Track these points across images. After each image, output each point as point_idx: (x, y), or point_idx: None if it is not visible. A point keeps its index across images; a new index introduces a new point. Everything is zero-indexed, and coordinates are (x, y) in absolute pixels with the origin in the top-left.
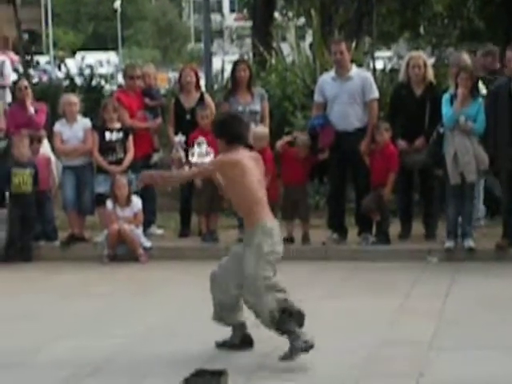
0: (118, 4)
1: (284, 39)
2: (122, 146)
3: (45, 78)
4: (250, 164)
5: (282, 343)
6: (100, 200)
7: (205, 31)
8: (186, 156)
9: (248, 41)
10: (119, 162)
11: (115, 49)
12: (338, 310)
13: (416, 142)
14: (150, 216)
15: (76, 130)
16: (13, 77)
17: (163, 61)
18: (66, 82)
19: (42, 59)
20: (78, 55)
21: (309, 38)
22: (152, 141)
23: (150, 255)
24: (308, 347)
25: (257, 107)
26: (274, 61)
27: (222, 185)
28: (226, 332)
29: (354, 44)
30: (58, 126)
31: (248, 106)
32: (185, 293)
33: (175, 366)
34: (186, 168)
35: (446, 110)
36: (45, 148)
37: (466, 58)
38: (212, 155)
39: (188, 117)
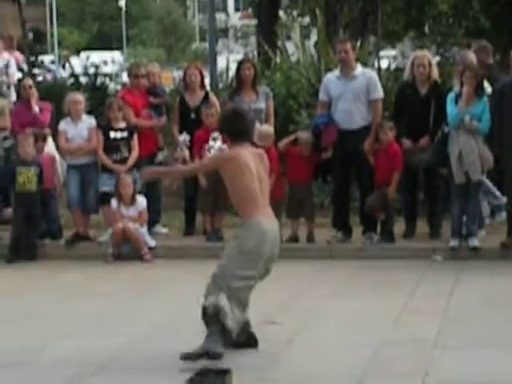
0: (122, 3)
1: (289, 38)
2: (126, 144)
3: (49, 77)
4: (250, 161)
5: (287, 342)
6: (105, 199)
7: (209, 30)
8: (190, 154)
9: (253, 39)
10: (124, 160)
11: (120, 48)
12: (343, 309)
13: (421, 141)
14: (155, 215)
15: (81, 128)
16: (17, 76)
17: (168, 60)
18: (71, 81)
19: (47, 58)
20: (83, 54)
21: (314, 37)
22: (157, 139)
23: (155, 254)
24: (215, 357)
25: (262, 106)
26: (278, 59)
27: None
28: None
29: (358, 43)
30: (63, 125)
31: (253, 104)
32: (189, 292)
33: (180, 364)
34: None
35: (451, 109)
36: (49, 147)
37: (471, 56)
38: (223, 151)
39: (193, 115)
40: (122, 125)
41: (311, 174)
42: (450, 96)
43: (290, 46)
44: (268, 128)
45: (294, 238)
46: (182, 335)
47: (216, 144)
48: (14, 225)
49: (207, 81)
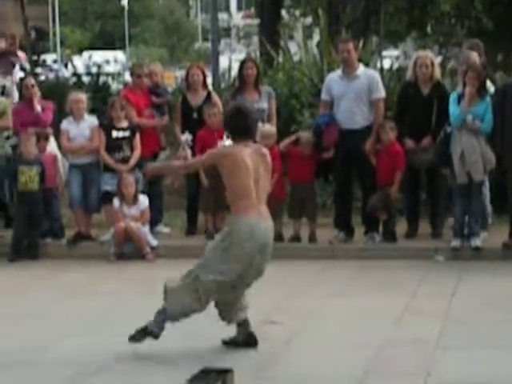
0: (125, 2)
1: (291, 38)
2: (128, 144)
3: (52, 77)
4: (247, 158)
5: (288, 342)
6: (107, 198)
7: (212, 30)
8: (193, 154)
9: (255, 39)
10: (126, 160)
11: (122, 47)
12: (344, 309)
13: (423, 141)
14: (157, 214)
15: (83, 127)
16: (19, 75)
17: (170, 59)
18: (73, 80)
19: (49, 57)
20: (85, 54)
21: (316, 37)
22: (159, 139)
23: (157, 253)
24: (150, 334)
25: (264, 105)
26: (281, 59)
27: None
28: (232, 330)
29: (361, 43)
30: (65, 124)
31: (255, 104)
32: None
33: (181, 364)
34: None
35: (454, 109)
36: (51, 146)
37: (474, 56)
38: None
39: (195, 115)
40: (125, 124)
41: (313, 173)
42: (453, 96)
43: (293, 46)
44: (270, 128)
45: (296, 238)
46: (183, 334)
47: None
48: (15, 224)
49: (209, 80)
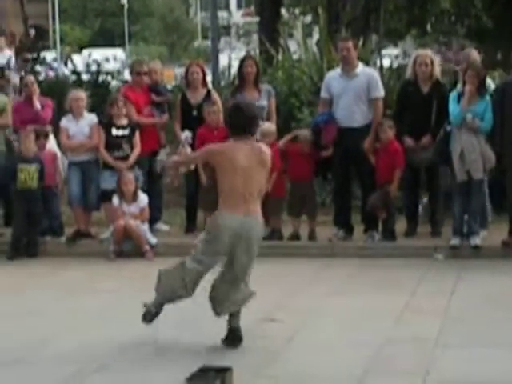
0: (124, 0)
1: (291, 36)
2: (128, 142)
3: (51, 74)
4: (237, 155)
5: (288, 340)
6: (106, 196)
7: (212, 28)
8: (193, 151)
9: (255, 37)
10: (126, 157)
11: (122, 45)
12: (344, 307)
13: (423, 140)
14: (156, 212)
15: (82, 125)
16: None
17: (170, 57)
18: (73, 78)
19: (49, 55)
20: (85, 51)
21: (316, 35)
22: (159, 137)
23: (156, 251)
24: (149, 316)
25: (264, 103)
26: (280, 57)
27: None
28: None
29: (360, 41)
30: (65, 122)
31: (255, 102)
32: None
33: (181, 362)
34: (192, 166)
35: (453, 107)
36: (51, 144)
37: (475, 55)
38: None
39: (195, 113)
40: (124, 122)
41: (312, 171)
42: (453, 94)
43: (292, 44)
44: (270, 126)
45: (296, 236)
46: (183, 333)
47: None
48: (15, 222)
49: (209, 78)
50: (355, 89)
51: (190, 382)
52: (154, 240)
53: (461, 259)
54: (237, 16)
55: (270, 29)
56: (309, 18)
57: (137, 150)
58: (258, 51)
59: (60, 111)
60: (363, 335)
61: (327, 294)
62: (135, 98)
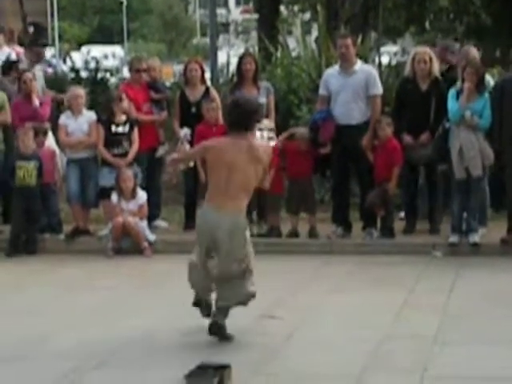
0: None
1: (290, 33)
2: (128, 139)
3: (50, 71)
4: (225, 153)
5: (287, 337)
6: (105, 193)
7: (211, 25)
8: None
9: (254, 34)
10: (125, 154)
11: (121, 42)
12: (343, 304)
13: (421, 137)
14: (155, 209)
15: (81, 122)
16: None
17: (169, 55)
18: (72, 75)
19: (47, 52)
20: (84, 49)
21: (314, 33)
22: (157, 134)
23: (155, 248)
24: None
25: (262, 101)
26: (279, 55)
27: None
28: (229, 326)
29: (359, 39)
30: (64, 119)
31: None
32: (189, 286)
33: (180, 359)
34: (191, 163)
35: (452, 104)
36: (49, 141)
37: (474, 52)
38: (273, 141)
39: (193, 110)
40: (123, 119)
41: (311, 168)
42: (452, 92)
43: (291, 42)
44: (269, 123)
45: (294, 234)
46: (181, 329)
47: (264, 134)
48: (13, 219)
49: (208, 75)
50: (353, 86)
51: (188, 379)
52: (152, 237)
53: (459, 256)
54: (235, 13)
55: (269, 26)
56: (308, 16)
57: (135, 147)
58: (256, 48)
59: (58, 108)
60: (362, 332)
61: (326, 291)
62: (134, 96)
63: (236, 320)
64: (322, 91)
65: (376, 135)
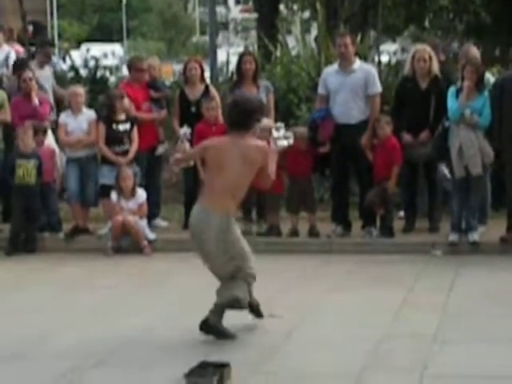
0: None
1: (289, 32)
2: (128, 136)
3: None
4: (220, 151)
5: (286, 335)
6: (104, 192)
7: (210, 23)
8: (191, 147)
9: (253, 33)
10: (126, 152)
11: (120, 40)
12: (342, 303)
13: (421, 136)
14: (155, 208)
15: (81, 121)
16: None
17: (168, 53)
18: (71, 74)
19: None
20: (83, 47)
21: (314, 31)
22: (157, 133)
23: (154, 247)
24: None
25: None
26: (279, 53)
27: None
28: (229, 324)
29: (359, 37)
30: (63, 118)
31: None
32: (189, 285)
33: (179, 358)
34: (191, 162)
35: (452, 103)
36: (49, 139)
37: (474, 51)
38: (291, 139)
39: (193, 109)
40: (123, 116)
41: (310, 167)
42: (451, 90)
43: (291, 40)
44: (268, 122)
45: (294, 233)
46: (181, 328)
47: (281, 133)
48: (13, 218)
49: (207, 74)
50: (352, 85)
51: (188, 377)
52: (152, 236)
53: (459, 255)
54: (235, 12)
55: (269, 25)
56: (307, 14)
57: (135, 145)
58: (256, 47)
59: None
60: (362, 331)
61: (326, 290)
62: (134, 94)
63: (235, 318)
64: (320, 90)
65: (375, 134)
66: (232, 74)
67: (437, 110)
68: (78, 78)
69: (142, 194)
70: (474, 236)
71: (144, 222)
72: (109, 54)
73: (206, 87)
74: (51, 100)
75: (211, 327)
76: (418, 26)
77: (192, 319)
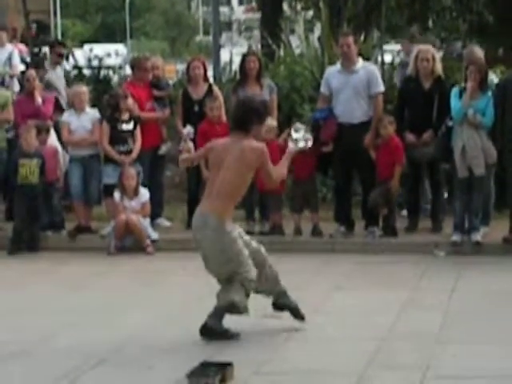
0: None
1: (293, 32)
2: (132, 136)
3: None
4: (218, 152)
5: (290, 335)
6: (109, 190)
7: (213, 23)
8: (194, 147)
9: (256, 33)
10: (130, 152)
11: (123, 40)
12: (345, 303)
13: (424, 136)
14: (158, 207)
15: (84, 120)
16: (21, 67)
17: (171, 53)
18: (74, 73)
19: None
20: (86, 47)
21: (317, 31)
22: (160, 132)
23: (157, 246)
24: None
25: (265, 99)
26: (282, 53)
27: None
28: (232, 323)
29: (362, 37)
30: (66, 117)
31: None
32: (191, 284)
33: (182, 357)
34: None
35: (455, 103)
36: (52, 139)
37: (478, 51)
38: (310, 142)
39: (196, 108)
40: (127, 116)
41: (314, 167)
42: (454, 90)
43: (294, 40)
44: (271, 121)
45: (297, 232)
46: (184, 328)
47: (300, 134)
48: (16, 216)
49: (210, 74)
50: (355, 84)
51: (190, 377)
52: (155, 235)
53: (462, 255)
54: (238, 11)
55: (272, 24)
56: (310, 14)
57: (138, 144)
58: (259, 47)
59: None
60: (364, 331)
61: (328, 290)
62: (137, 94)
63: (237, 319)
64: (323, 90)
65: (378, 134)
66: (235, 73)
67: (440, 110)
68: (81, 77)
69: (145, 194)
70: (477, 236)
71: (147, 222)
72: (112, 54)
73: (210, 87)
74: (64, 100)
75: (210, 330)
76: (421, 26)
77: (194, 319)
